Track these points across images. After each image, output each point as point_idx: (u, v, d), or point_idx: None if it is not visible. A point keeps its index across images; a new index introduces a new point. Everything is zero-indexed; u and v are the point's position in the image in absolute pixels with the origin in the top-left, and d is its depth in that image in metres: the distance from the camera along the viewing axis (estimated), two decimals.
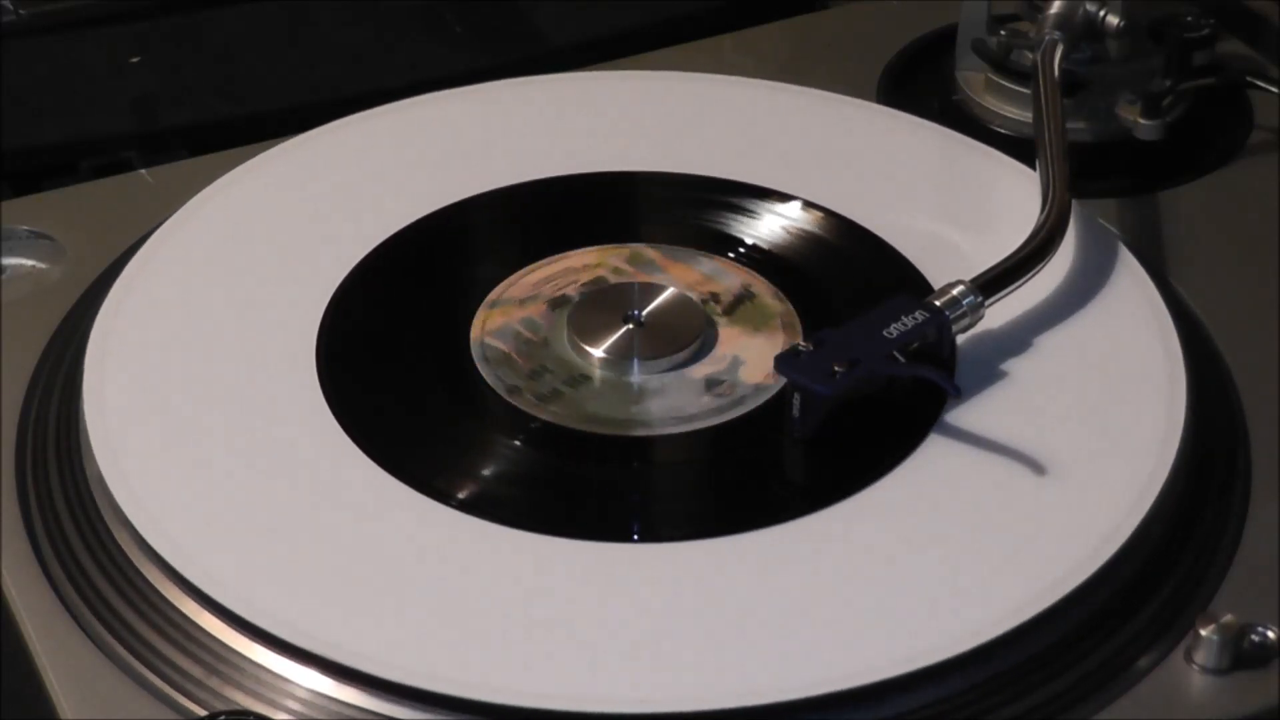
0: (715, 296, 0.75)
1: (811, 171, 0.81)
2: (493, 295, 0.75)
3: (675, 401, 0.70)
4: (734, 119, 0.85)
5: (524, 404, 0.70)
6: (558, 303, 0.74)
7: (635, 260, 0.77)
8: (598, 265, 0.76)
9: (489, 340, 0.73)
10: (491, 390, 0.71)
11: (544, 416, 0.70)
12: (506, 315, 0.74)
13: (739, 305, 0.74)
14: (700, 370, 0.72)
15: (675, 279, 0.75)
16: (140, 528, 0.64)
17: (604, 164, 0.82)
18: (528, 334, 0.73)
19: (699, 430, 0.69)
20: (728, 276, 0.76)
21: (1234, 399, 0.72)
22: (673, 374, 0.71)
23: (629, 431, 0.69)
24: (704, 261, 0.76)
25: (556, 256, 0.77)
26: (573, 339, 0.72)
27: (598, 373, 0.72)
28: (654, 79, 0.88)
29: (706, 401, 0.70)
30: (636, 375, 0.71)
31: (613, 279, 0.76)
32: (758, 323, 0.74)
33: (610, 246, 0.77)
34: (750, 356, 0.72)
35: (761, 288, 0.75)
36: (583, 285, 0.75)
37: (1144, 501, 0.65)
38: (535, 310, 0.74)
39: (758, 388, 0.71)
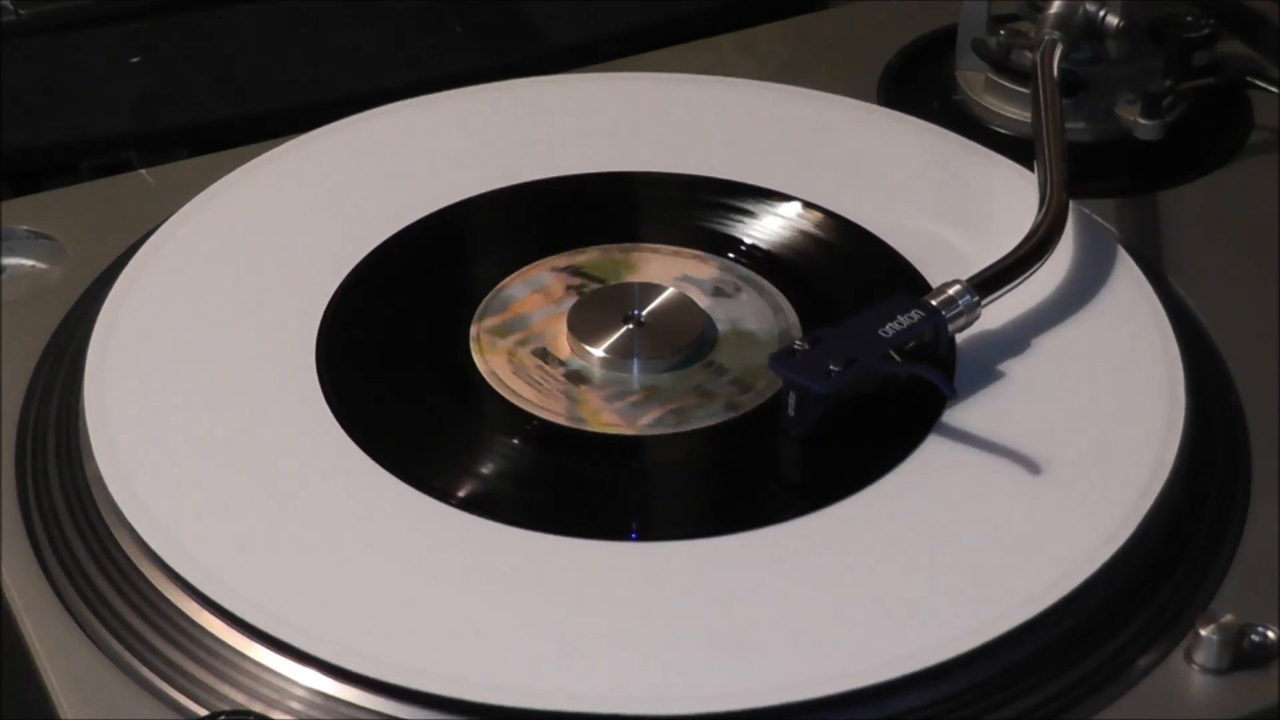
0: None
1: (811, 171, 0.81)
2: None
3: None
4: (734, 119, 0.85)
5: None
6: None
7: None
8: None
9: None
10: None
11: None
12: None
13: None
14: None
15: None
16: (140, 528, 0.64)
17: (604, 164, 0.82)
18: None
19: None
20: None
21: (1234, 399, 0.72)
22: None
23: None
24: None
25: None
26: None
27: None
28: (654, 79, 0.88)
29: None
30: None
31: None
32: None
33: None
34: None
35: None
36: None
37: (1144, 501, 0.65)
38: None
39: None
